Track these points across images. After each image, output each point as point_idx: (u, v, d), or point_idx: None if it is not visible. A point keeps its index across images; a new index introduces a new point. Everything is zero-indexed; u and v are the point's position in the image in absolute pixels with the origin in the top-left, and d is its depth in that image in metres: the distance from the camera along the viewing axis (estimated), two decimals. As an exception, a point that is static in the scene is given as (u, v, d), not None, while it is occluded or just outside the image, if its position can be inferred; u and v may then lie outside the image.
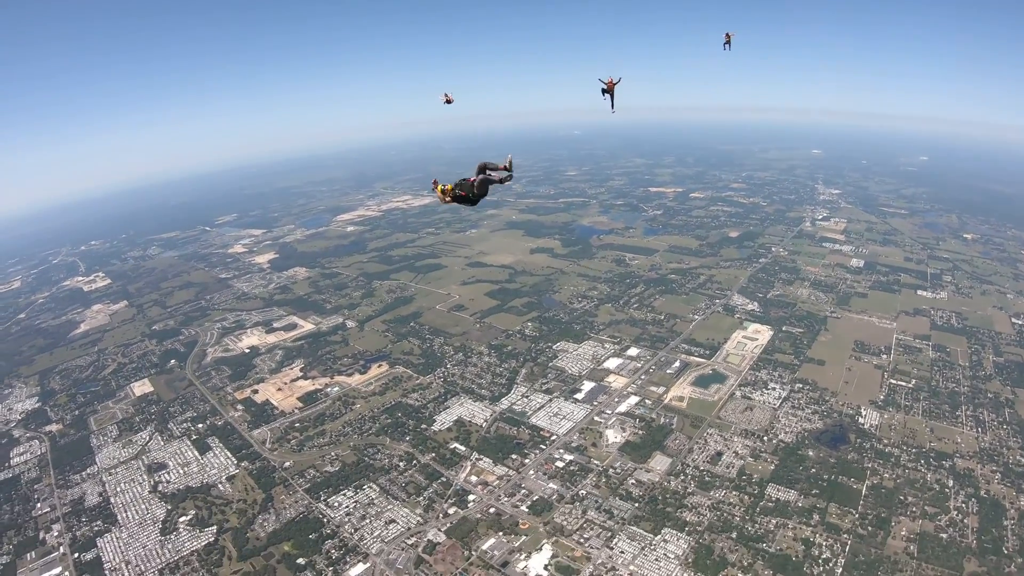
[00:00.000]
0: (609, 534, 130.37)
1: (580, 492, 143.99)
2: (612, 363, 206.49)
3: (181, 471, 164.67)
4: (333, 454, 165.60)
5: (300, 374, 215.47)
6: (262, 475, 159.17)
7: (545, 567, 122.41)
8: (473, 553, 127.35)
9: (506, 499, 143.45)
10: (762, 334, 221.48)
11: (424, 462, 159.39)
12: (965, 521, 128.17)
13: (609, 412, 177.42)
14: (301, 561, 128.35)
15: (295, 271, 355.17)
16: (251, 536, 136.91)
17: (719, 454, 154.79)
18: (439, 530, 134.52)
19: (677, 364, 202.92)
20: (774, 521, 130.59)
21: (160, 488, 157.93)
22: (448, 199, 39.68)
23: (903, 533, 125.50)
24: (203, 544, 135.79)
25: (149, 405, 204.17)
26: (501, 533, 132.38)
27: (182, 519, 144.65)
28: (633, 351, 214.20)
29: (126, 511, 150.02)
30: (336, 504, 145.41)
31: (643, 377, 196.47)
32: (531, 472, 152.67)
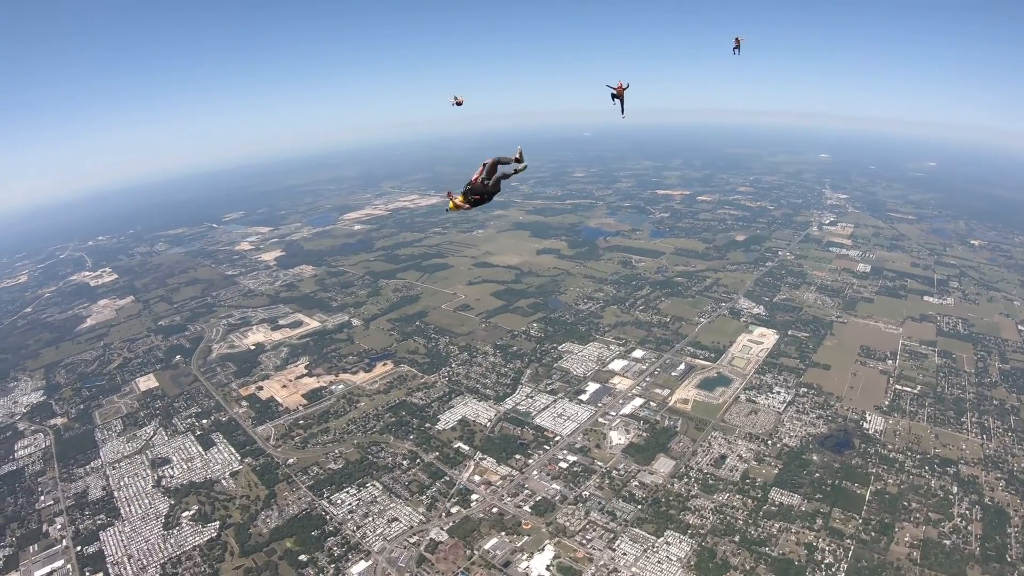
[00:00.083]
0: (612, 536, 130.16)
1: (583, 493, 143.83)
2: (617, 365, 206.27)
3: (185, 466, 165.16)
4: (337, 451, 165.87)
5: (305, 371, 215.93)
6: (265, 471, 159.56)
7: (547, 568, 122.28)
8: (475, 552, 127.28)
9: (509, 499, 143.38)
10: (768, 338, 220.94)
11: (427, 461, 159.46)
12: (969, 528, 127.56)
13: (613, 414, 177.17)
14: (303, 558, 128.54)
15: (301, 269, 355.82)
16: (253, 532, 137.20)
17: (723, 457, 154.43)
18: (441, 529, 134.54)
19: (682, 367, 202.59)
20: (777, 525, 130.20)
21: (163, 483, 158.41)
22: (467, 206, 39.16)
23: (906, 539, 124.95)
24: (205, 539, 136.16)
25: (154, 400, 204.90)
26: (503, 533, 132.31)
27: (185, 514, 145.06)
28: (638, 353, 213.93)
29: (129, 505, 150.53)
30: (339, 501, 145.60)
31: (648, 379, 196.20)
32: (534, 472, 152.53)
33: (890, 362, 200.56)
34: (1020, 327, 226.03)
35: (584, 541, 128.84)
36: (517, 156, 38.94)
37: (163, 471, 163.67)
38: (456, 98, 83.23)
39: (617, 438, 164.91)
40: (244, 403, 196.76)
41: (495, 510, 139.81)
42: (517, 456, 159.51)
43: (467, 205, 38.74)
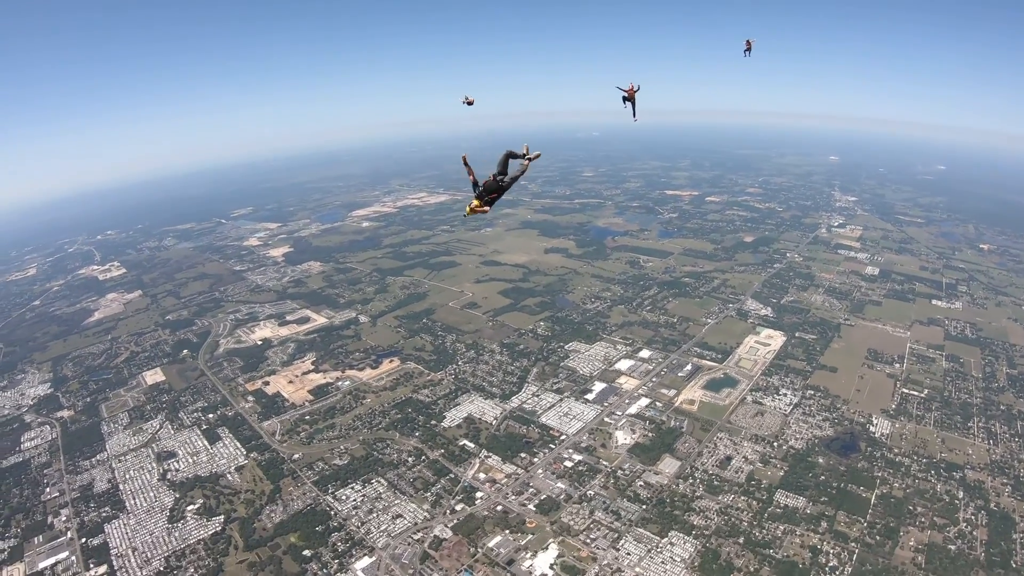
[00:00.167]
0: (616, 535, 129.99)
1: (588, 492, 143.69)
2: (623, 364, 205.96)
3: (190, 460, 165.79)
4: (342, 447, 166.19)
5: (312, 367, 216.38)
6: (271, 466, 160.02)
7: (551, 566, 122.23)
8: (479, 550, 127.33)
9: (514, 497, 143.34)
10: (775, 339, 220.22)
11: (433, 458, 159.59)
12: (974, 533, 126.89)
13: (619, 413, 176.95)
14: (307, 553, 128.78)
15: (309, 265, 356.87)
16: (258, 526, 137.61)
17: (728, 458, 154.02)
18: (446, 526, 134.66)
19: (689, 367, 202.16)
20: (782, 527, 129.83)
21: (169, 476, 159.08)
22: (485, 209, 38.04)
23: (911, 543, 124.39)
24: (210, 533, 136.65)
25: (160, 394, 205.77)
26: (508, 531, 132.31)
27: (190, 507, 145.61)
28: (645, 353, 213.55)
29: (134, 498, 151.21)
30: (344, 497, 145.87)
31: (654, 379, 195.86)
32: (539, 471, 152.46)
33: (897, 365, 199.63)
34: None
35: (588, 540, 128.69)
36: (524, 151, 38.40)
37: (169, 464, 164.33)
38: (467, 98, 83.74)
39: (623, 438, 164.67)
40: (250, 398, 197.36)
41: (499, 508, 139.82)
42: (522, 454, 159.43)
43: (485, 208, 37.51)
